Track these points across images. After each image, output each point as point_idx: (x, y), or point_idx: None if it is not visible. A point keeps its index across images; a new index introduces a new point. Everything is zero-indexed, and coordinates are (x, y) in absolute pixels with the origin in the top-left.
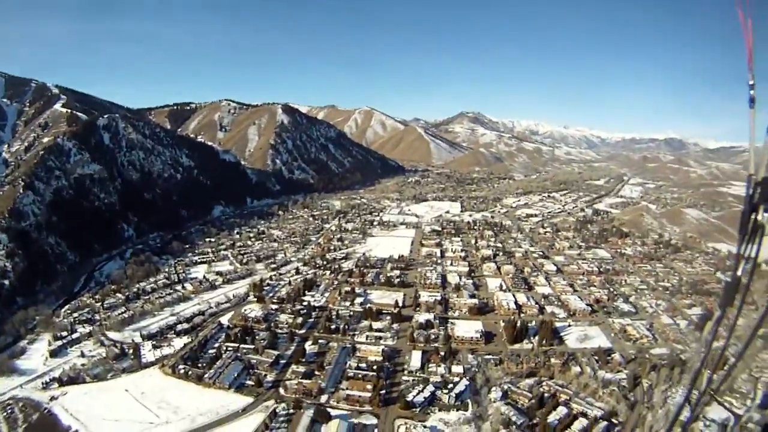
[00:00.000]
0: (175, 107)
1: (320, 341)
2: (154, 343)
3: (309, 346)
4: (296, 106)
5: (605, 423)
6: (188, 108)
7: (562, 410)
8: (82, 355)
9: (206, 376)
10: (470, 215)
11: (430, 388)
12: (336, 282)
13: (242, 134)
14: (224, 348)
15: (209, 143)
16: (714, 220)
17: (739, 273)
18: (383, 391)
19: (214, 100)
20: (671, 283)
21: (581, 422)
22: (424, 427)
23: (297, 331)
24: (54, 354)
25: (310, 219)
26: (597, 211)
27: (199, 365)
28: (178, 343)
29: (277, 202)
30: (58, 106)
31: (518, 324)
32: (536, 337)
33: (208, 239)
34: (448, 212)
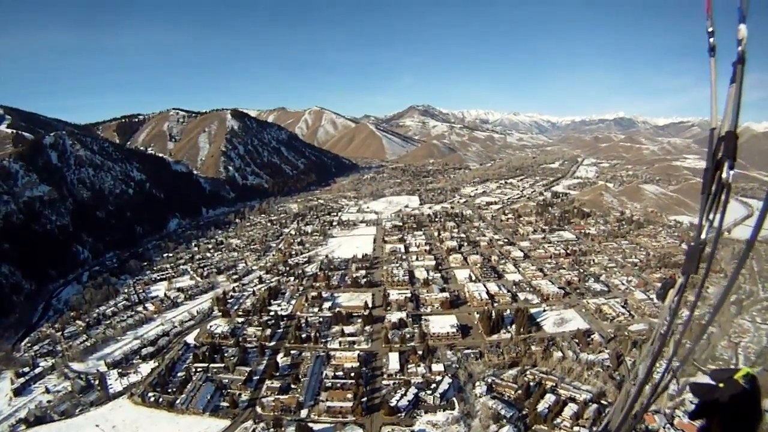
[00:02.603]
0: (123, 120)
1: (292, 352)
2: (119, 371)
3: (281, 359)
4: (245, 111)
5: (595, 405)
6: (136, 120)
7: (550, 397)
8: (47, 391)
9: (178, 401)
10: (430, 207)
11: (413, 390)
12: (301, 288)
13: (193, 143)
14: (193, 369)
15: (160, 154)
16: (672, 194)
17: (703, 237)
18: (365, 399)
19: (162, 110)
20: (639, 258)
21: (571, 407)
22: (412, 431)
23: (267, 343)
24: (18, 393)
25: (268, 224)
26: (556, 193)
27: (169, 390)
28: (145, 368)
29: (233, 210)
30: (2, 127)
31: (493, 314)
32: (513, 326)
33: (165, 254)
34: (407, 206)
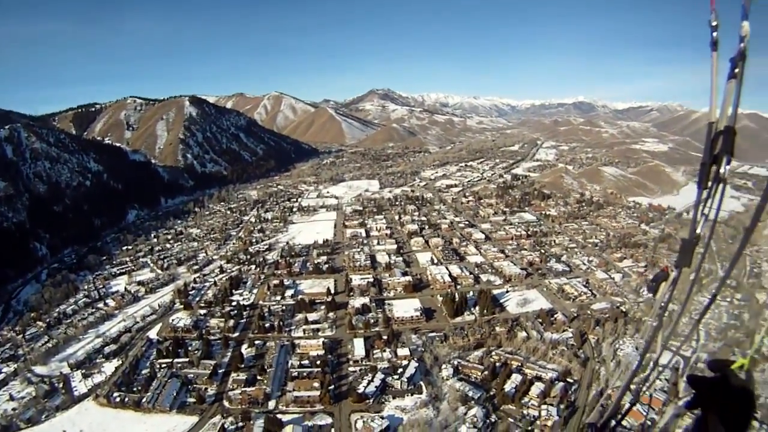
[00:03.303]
0: (80, 110)
1: (256, 342)
2: (83, 371)
3: (246, 350)
4: (204, 97)
5: (561, 383)
6: (93, 110)
7: (516, 377)
8: (11, 398)
9: (144, 400)
10: (390, 191)
11: (380, 375)
12: (263, 276)
13: (150, 131)
14: (157, 366)
15: (117, 144)
16: (631, 176)
17: (698, 231)
18: (332, 387)
19: (119, 98)
20: (599, 239)
21: (538, 386)
22: (382, 417)
23: (230, 335)
24: None
25: (228, 212)
26: (516, 176)
27: (135, 389)
28: (109, 367)
29: (192, 199)
30: None
31: (456, 296)
32: (477, 308)
33: (125, 247)
34: (367, 191)
